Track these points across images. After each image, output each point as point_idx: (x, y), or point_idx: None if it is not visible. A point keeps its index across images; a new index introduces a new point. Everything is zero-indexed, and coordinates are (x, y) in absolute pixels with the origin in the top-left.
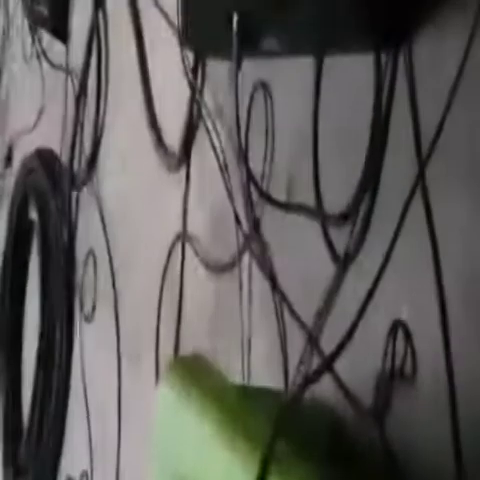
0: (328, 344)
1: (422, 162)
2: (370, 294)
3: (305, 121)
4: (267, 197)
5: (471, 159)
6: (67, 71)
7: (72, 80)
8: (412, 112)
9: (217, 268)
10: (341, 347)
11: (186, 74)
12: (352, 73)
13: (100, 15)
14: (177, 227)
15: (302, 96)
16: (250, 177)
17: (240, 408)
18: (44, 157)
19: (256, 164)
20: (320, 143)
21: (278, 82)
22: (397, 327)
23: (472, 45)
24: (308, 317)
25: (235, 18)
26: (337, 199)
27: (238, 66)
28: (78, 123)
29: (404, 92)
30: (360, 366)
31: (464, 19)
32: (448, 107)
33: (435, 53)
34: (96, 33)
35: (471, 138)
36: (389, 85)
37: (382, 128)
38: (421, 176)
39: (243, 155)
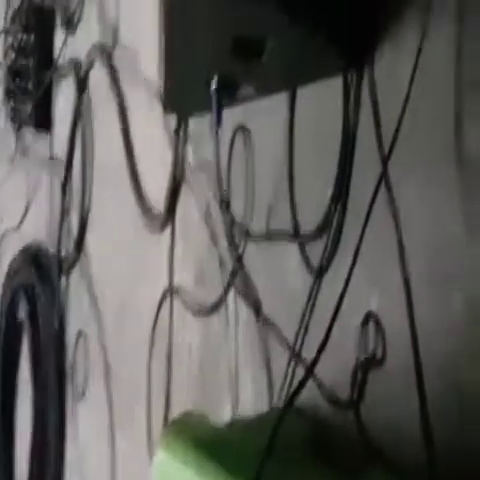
0: (307, 347)
1: (385, 160)
2: (341, 298)
3: (282, 151)
4: (248, 234)
5: (428, 158)
6: (52, 161)
7: (57, 170)
8: (375, 124)
9: (204, 312)
10: (320, 352)
11: (169, 137)
12: (322, 97)
13: (84, 98)
14: (164, 283)
15: (279, 128)
16: (233, 221)
17: (235, 460)
18: (30, 253)
19: (238, 204)
20: (295, 167)
21: (256, 122)
22: (369, 318)
23: (421, 58)
24: (291, 333)
25: (214, 79)
26: (312, 216)
27: (218, 122)
28: (64, 209)
29: (368, 103)
30: (337, 359)
31: (417, 38)
32: (402, 114)
33: (393, 70)
34: (79, 117)
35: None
36: (355, 99)
37: (350, 143)
38: (384, 174)
39: (226, 203)
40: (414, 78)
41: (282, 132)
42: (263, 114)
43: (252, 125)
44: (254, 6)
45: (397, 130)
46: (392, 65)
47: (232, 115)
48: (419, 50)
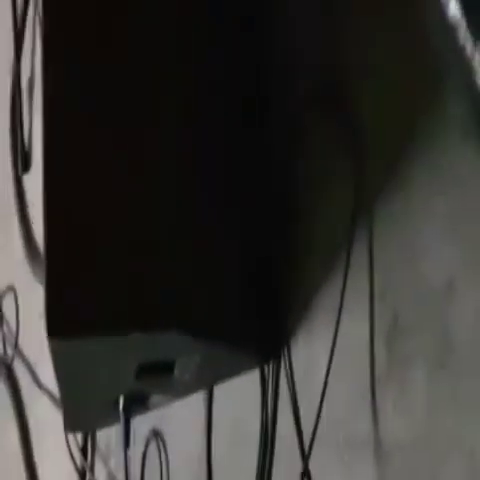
0: None
1: (306, 457)
2: None
3: (200, 451)
4: None
5: (348, 443)
6: None
7: None
8: (294, 416)
9: None
10: None
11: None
12: (240, 390)
13: None
14: None
15: (195, 428)
16: None
17: None
18: None
19: None
20: (214, 467)
21: (171, 423)
22: None
23: (336, 345)
24: None
25: (120, 399)
26: None
27: (127, 442)
28: None
29: (287, 394)
30: None
31: (326, 322)
32: (321, 404)
33: (309, 355)
34: None
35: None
36: (273, 393)
37: (270, 440)
38: (305, 473)
39: None
40: (329, 371)
41: (199, 431)
42: (179, 415)
43: (167, 428)
44: (157, 338)
45: (314, 432)
46: (308, 352)
47: (146, 420)
48: (334, 340)
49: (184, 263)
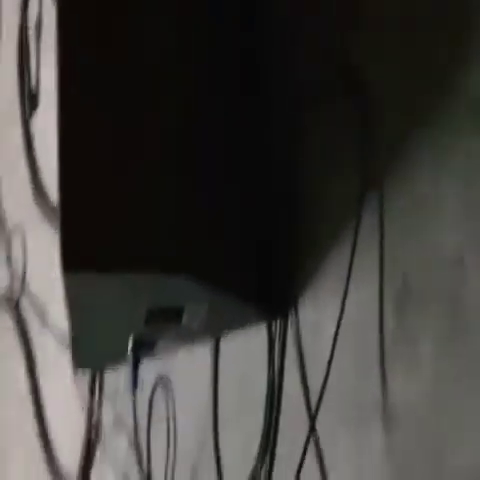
0: None
1: (313, 416)
2: None
3: (206, 405)
4: None
5: (355, 413)
6: None
7: None
8: (301, 376)
9: None
10: None
11: (81, 397)
12: (247, 345)
13: None
14: None
15: (202, 379)
16: None
17: None
18: None
19: (159, 465)
20: (220, 422)
21: (178, 372)
22: None
23: (345, 308)
24: None
25: (130, 340)
26: (238, 475)
27: (135, 385)
28: None
29: (294, 355)
30: None
31: (335, 286)
32: (329, 364)
33: (317, 317)
34: None
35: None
36: (280, 351)
37: (276, 396)
38: (312, 430)
39: (145, 465)
40: (338, 333)
41: (206, 382)
42: (186, 363)
43: (174, 375)
44: (167, 282)
45: (322, 390)
46: (316, 314)
47: (153, 365)
48: (343, 303)
49: (198, 216)
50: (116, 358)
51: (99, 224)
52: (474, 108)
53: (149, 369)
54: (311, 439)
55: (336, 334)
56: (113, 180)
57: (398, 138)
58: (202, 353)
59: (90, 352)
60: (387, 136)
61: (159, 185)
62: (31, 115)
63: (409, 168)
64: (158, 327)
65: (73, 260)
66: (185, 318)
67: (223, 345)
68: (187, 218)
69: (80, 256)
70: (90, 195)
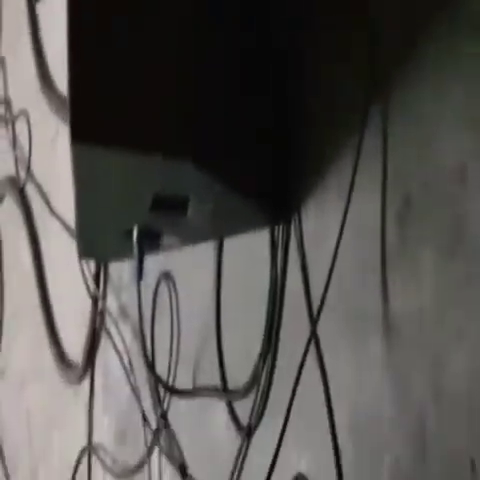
0: None
1: (314, 320)
2: (273, 463)
3: (209, 303)
4: (173, 390)
5: (356, 318)
6: None
7: None
8: (303, 278)
9: (126, 473)
10: None
11: (86, 284)
12: (250, 248)
13: None
14: (82, 440)
15: (205, 278)
16: (157, 376)
17: None
18: None
19: (162, 356)
20: (223, 321)
21: (181, 270)
22: None
23: (347, 217)
24: None
25: (135, 230)
26: (241, 372)
27: (140, 275)
28: None
29: (296, 261)
30: None
31: (337, 195)
32: (331, 271)
33: (319, 224)
34: None
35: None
36: (282, 256)
37: (278, 298)
38: (313, 334)
39: (149, 355)
40: (340, 242)
41: (209, 281)
42: (189, 262)
43: (178, 272)
44: (173, 166)
45: (324, 296)
46: (319, 221)
47: (157, 261)
48: (345, 212)
49: (206, 105)
50: (121, 250)
51: (109, 99)
52: (474, 22)
53: (153, 264)
54: (312, 343)
55: (338, 243)
56: (125, 54)
57: (400, 53)
58: (205, 251)
59: (95, 241)
60: (389, 51)
61: (170, 68)
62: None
63: (412, 83)
64: (163, 217)
65: (81, 131)
66: (190, 211)
67: (226, 246)
68: (195, 106)
69: (88, 128)
70: (101, 68)
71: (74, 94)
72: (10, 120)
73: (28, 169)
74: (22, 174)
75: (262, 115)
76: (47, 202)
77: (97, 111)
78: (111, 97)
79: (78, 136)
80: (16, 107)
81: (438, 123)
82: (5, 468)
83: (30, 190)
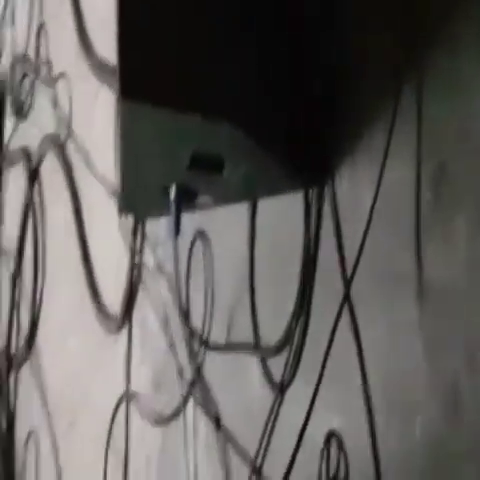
0: (268, 462)
1: (347, 282)
2: (306, 421)
3: (242, 262)
4: (208, 344)
5: (389, 280)
6: (1, 253)
7: (7, 262)
8: (337, 246)
9: (162, 421)
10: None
11: (125, 237)
12: (284, 210)
13: (35, 188)
14: (120, 388)
15: (239, 239)
16: (192, 330)
17: None
18: None
19: (197, 311)
20: (256, 280)
21: (216, 229)
22: (331, 438)
23: (381, 182)
24: (252, 447)
25: (173, 188)
26: (274, 330)
27: (177, 232)
28: (14, 304)
29: (330, 224)
30: (299, 474)
31: (372, 160)
32: (365, 234)
33: (353, 189)
34: (31, 209)
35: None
36: (316, 219)
37: (312, 259)
38: (347, 297)
39: (184, 309)
40: (374, 206)
41: (243, 241)
42: (224, 222)
43: (212, 232)
44: (210, 125)
45: (358, 258)
46: (353, 186)
47: (192, 220)
48: (380, 177)
49: (247, 73)
50: (158, 207)
51: (156, 59)
52: None
53: (189, 222)
54: (345, 305)
55: (372, 207)
56: (172, 16)
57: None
58: (240, 212)
59: (135, 197)
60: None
61: (212, 36)
62: None
63: (451, 51)
64: (200, 176)
65: (129, 88)
66: (226, 171)
67: (260, 207)
68: (233, 71)
69: (135, 85)
70: (149, 29)
71: (123, 53)
72: (52, 81)
73: (69, 127)
74: (63, 132)
75: (305, 83)
76: (87, 161)
77: (144, 70)
78: (158, 57)
79: (126, 93)
80: (56, 70)
81: (474, 90)
82: (48, 414)
83: (71, 149)
